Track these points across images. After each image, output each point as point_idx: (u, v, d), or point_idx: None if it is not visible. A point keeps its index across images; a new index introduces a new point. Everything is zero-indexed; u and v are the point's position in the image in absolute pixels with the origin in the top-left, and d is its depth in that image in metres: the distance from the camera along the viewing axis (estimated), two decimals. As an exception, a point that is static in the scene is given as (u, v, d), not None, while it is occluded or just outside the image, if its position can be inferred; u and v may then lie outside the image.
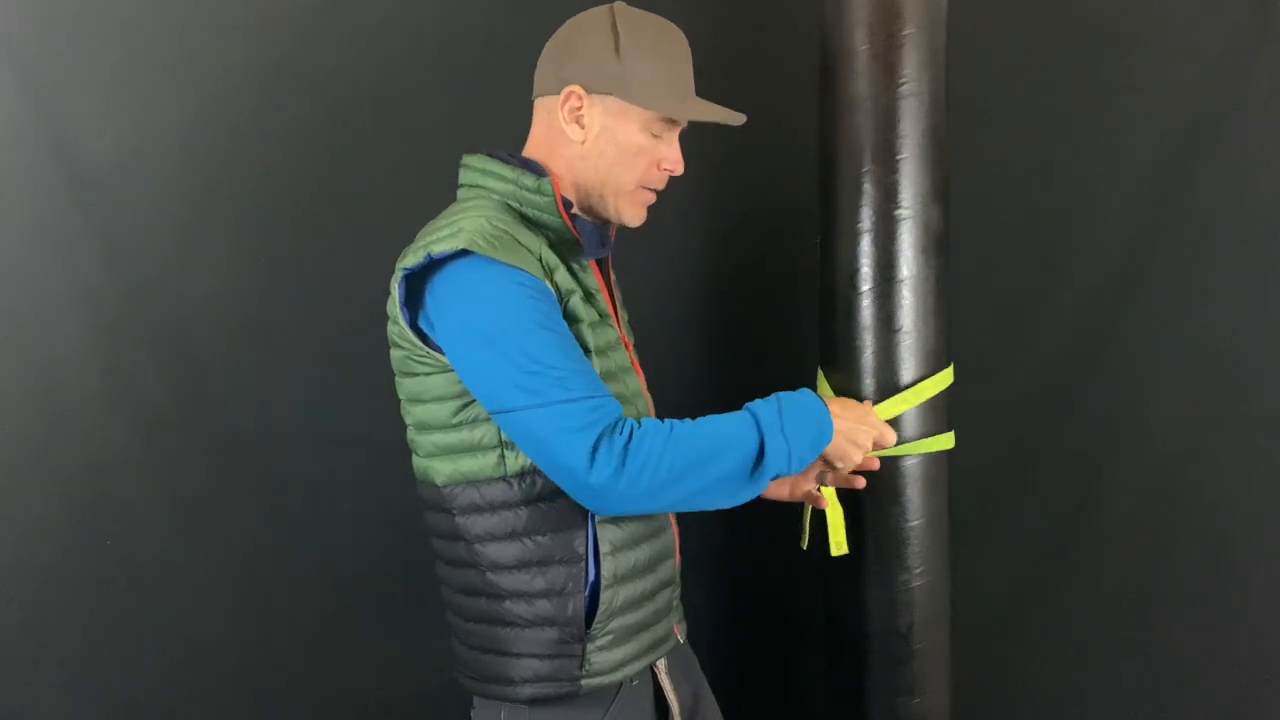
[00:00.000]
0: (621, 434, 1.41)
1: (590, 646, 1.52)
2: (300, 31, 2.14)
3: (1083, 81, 2.22)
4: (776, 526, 1.94)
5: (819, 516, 1.73)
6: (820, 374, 1.81)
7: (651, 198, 1.62)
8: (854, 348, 1.75)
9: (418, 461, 1.59)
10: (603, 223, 1.62)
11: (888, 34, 1.70)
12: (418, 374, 1.53)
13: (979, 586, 2.16)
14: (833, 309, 1.79)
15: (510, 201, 1.54)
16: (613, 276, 1.71)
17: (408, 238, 1.57)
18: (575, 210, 1.58)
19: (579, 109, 1.55)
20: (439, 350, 1.49)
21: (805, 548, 1.74)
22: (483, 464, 1.51)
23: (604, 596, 1.52)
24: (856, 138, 1.73)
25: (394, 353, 1.56)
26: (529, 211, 1.54)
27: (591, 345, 1.50)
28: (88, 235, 2.08)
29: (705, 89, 1.63)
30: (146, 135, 2.09)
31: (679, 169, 1.60)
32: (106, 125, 2.08)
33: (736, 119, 1.59)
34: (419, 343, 1.50)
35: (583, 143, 1.56)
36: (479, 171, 1.57)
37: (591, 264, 1.60)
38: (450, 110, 2.19)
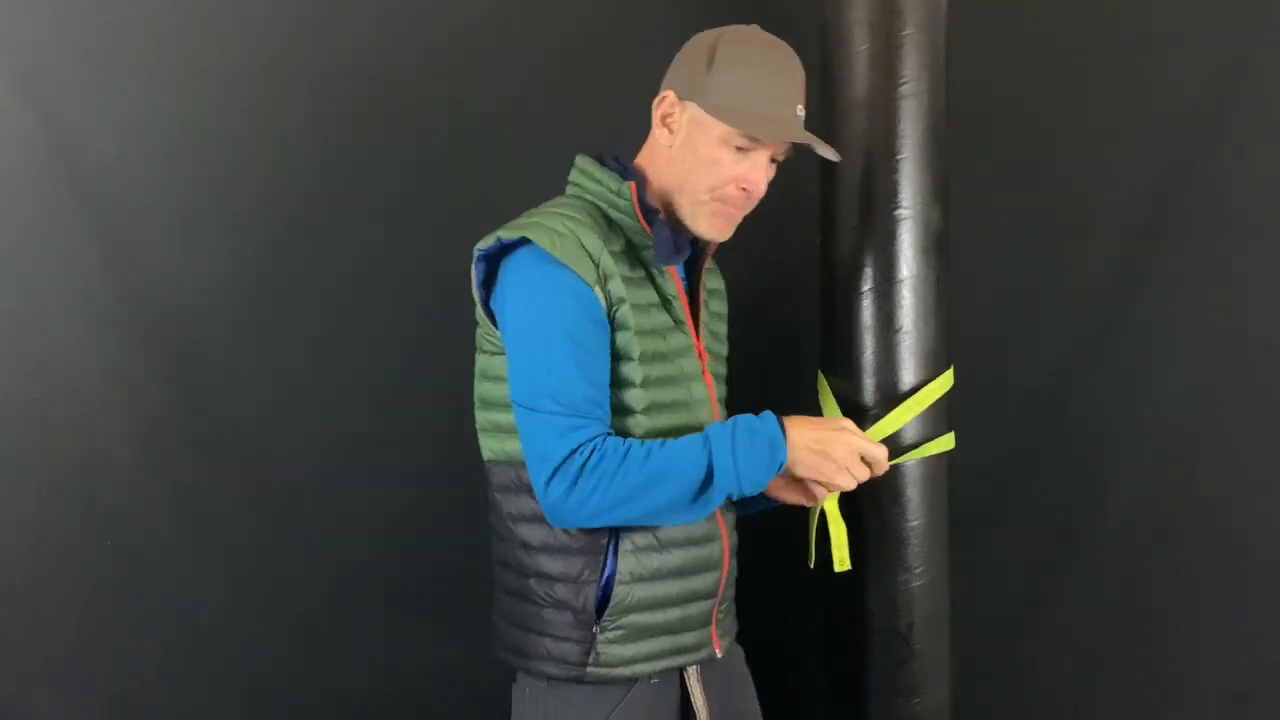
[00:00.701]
0: (583, 455, 1.48)
1: (601, 637, 1.56)
2: (300, 31, 2.14)
3: (1083, 81, 2.22)
4: (777, 527, 1.94)
5: (823, 532, 1.73)
6: (820, 378, 1.81)
7: (731, 212, 1.61)
8: (854, 347, 1.75)
9: (479, 435, 1.67)
10: (685, 231, 1.63)
11: (888, 34, 1.70)
12: (485, 351, 1.63)
13: (979, 586, 2.16)
14: (833, 309, 1.79)
15: (600, 203, 1.61)
16: (705, 284, 1.72)
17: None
18: (662, 216, 1.60)
19: (669, 114, 1.59)
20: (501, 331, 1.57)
21: (811, 565, 1.74)
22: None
23: (618, 591, 1.56)
24: (856, 138, 1.74)
25: (477, 330, 1.65)
26: (613, 214, 1.60)
27: (636, 353, 1.54)
28: (87, 235, 2.09)
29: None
30: (146, 135, 2.10)
31: (756, 190, 1.60)
32: (105, 125, 2.08)
33: (824, 148, 1.58)
34: (488, 321, 1.59)
35: (669, 147, 1.60)
36: (579, 172, 1.65)
37: (672, 271, 1.63)
38: (451, 108, 2.19)
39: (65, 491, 2.11)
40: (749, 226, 1.65)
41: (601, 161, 1.64)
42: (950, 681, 1.83)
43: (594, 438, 1.50)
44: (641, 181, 1.60)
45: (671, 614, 1.60)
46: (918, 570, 1.76)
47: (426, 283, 2.12)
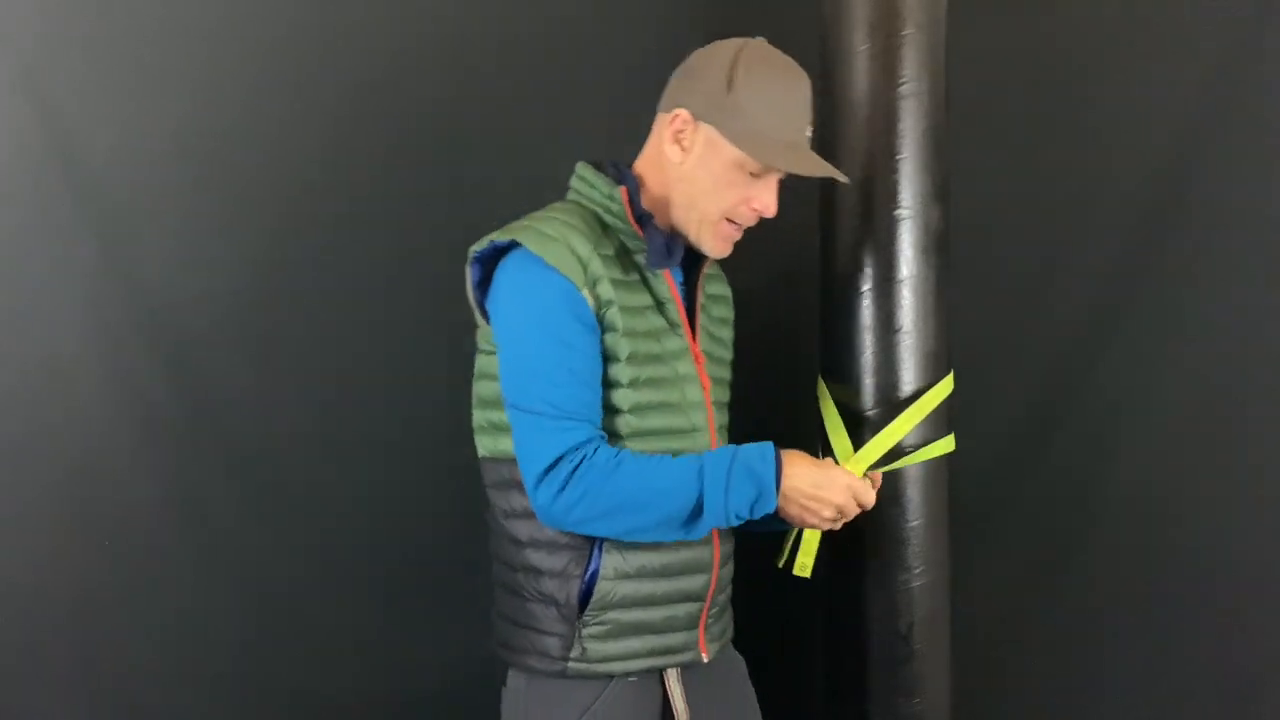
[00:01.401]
0: (573, 460, 1.50)
1: (584, 632, 1.57)
2: (300, 31, 2.14)
3: (1083, 81, 2.22)
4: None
5: (798, 533, 1.73)
6: (821, 386, 1.80)
7: (736, 232, 1.64)
8: (854, 347, 1.75)
9: (475, 433, 1.69)
10: (680, 237, 1.64)
11: (888, 34, 1.70)
12: (483, 350, 1.65)
13: (979, 586, 2.17)
14: (833, 309, 1.79)
15: (596, 208, 1.63)
16: (704, 289, 1.72)
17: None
18: (656, 222, 1.62)
19: (682, 132, 1.59)
20: None
21: (780, 565, 1.74)
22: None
23: (601, 587, 1.57)
24: (856, 138, 1.74)
25: (476, 330, 1.67)
26: (607, 219, 1.62)
27: (624, 354, 1.56)
28: (88, 235, 2.09)
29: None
30: (146, 135, 2.10)
31: (769, 212, 1.62)
32: (106, 126, 2.08)
33: (837, 175, 1.61)
34: (484, 322, 1.62)
35: (680, 164, 1.60)
36: (578, 178, 1.67)
37: (667, 274, 1.63)
38: (452, 109, 2.19)
39: (65, 491, 2.11)
40: (748, 227, 1.66)
41: (600, 168, 1.66)
42: (950, 681, 1.83)
43: (584, 442, 1.52)
44: (635, 187, 1.62)
45: (656, 613, 1.61)
46: (918, 570, 1.76)
47: (427, 282, 2.12)
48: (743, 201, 1.60)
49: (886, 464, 1.71)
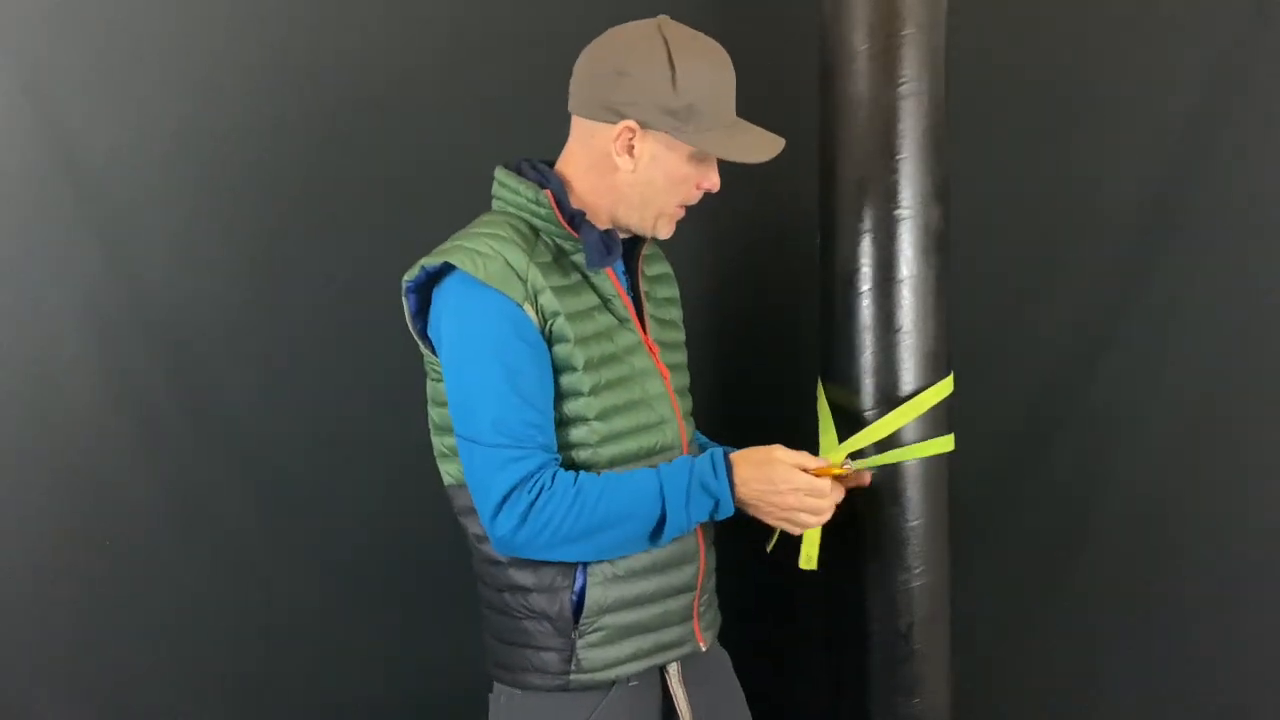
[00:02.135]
0: (530, 491, 1.47)
1: (580, 642, 1.55)
2: (301, 31, 2.14)
3: (1083, 81, 2.22)
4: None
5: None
6: (821, 394, 1.80)
7: (683, 213, 1.63)
8: (854, 347, 1.75)
9: (436, 460, 1.65)
10: (613, 232, 1.60)
11: (888, 34, 1.70)
12: (432, 379, 1.61)
13: (979, 586, 2.16)
14: (833, 309, 1.79)
15: (523, 214, 1.57)
16: (644, 276, 1.69)
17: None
18: (589, 218, 1.57)
19: (631, 139, 1.54)
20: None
21: (769, 550, 1.74)
22: None
23: (592, 593, 1.55)
24: (856, 138, 1.73)
25: (423, 359, 1.62)
26: (537, 224, 1.57)
27: (580, 363, 1.52)
28: (87, 235, 2.09)
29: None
30: (146, 135, 2.10)
31: (717, 188, 1.61)
32: (106, 125, 2.08)
33: (778, 142, 1.59)
34: (428, 351, 1.58)
35: (632, 171, 1.55)
36: (500, 185, 1.61)
37: (608, 271, 1.59)
38: (451, 109, 2.19)
39: (65, 491, 2.11)
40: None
41: (519, 170, 1.60)
42: (950, 681, 1.83)
43: (538, 470, 1.48)
44: (560, 187, 1.56)
45: (651, 611, 1.59)
46: (918, 570, 1.76)
47: (427, 283, 2.12)
48: (695, 187, 1.59)
49: (877, 457, 1.70)
